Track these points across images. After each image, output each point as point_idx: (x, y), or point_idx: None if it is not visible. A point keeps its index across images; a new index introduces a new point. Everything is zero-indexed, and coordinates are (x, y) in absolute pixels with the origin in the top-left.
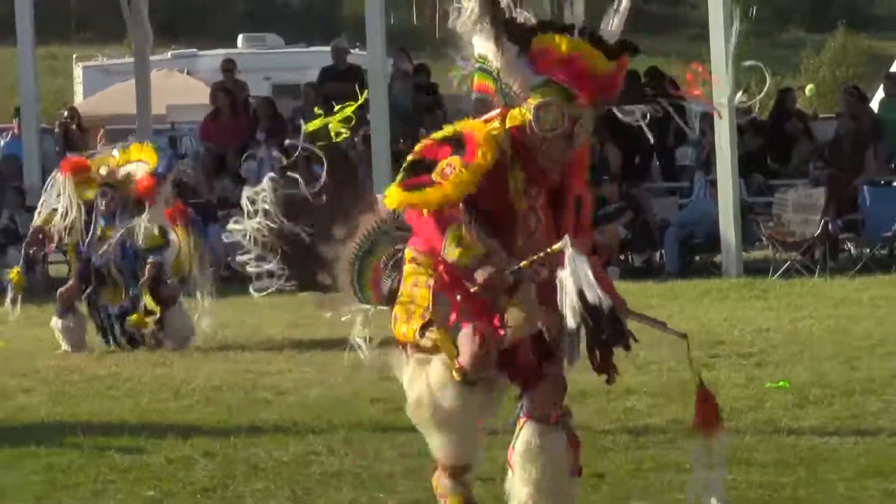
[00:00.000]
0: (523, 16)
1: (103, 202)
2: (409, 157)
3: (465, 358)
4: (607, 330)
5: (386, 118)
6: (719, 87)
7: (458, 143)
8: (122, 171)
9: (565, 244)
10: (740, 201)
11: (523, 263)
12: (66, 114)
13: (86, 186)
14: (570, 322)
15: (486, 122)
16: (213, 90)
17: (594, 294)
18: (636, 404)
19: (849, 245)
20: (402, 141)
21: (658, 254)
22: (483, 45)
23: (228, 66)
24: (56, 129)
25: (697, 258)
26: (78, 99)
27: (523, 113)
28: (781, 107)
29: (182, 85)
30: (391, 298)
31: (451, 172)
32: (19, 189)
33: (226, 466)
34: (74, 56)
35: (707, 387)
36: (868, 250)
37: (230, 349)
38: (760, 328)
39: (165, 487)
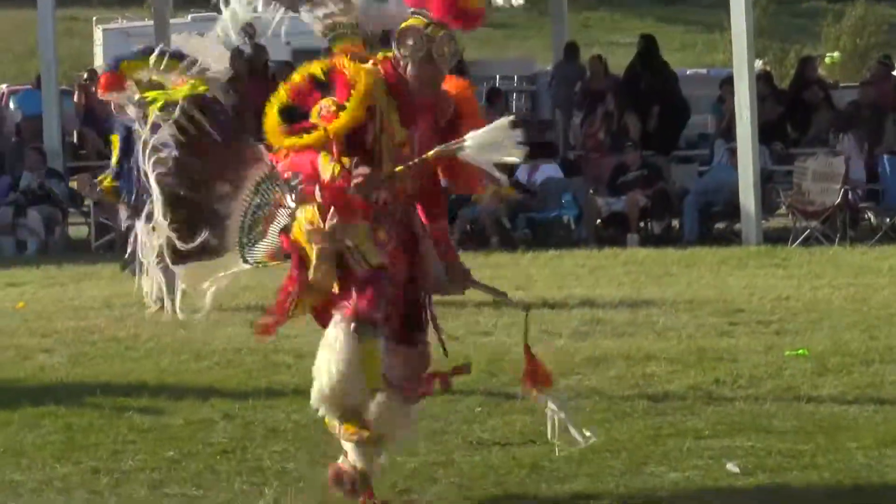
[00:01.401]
0: None
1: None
2: (278, 103)
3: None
4: None
5: None
6: (740, 55)
7: (326, 86)
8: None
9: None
10: (760, 169)
11: (398, 168)
12: (85, 76)
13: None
14: None
15: (355, 60)
16: (232, 54)
17: None
18: (655, 370)
19: (869, 214)
20: None
21: (677, 221)
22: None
23: (248, 29)
24: (75, 92)
25: (717, 226)
26: (98, 61)
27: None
28: (802, 75)
29: (201, 48)
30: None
31: (328, 114)
32: (40, 150)
33: (245, 428)
34: (94, 18)
35: (535, 354)
36: (888, 219)
37: (250, 311)
38: (780, 296)
39: (184, 449)
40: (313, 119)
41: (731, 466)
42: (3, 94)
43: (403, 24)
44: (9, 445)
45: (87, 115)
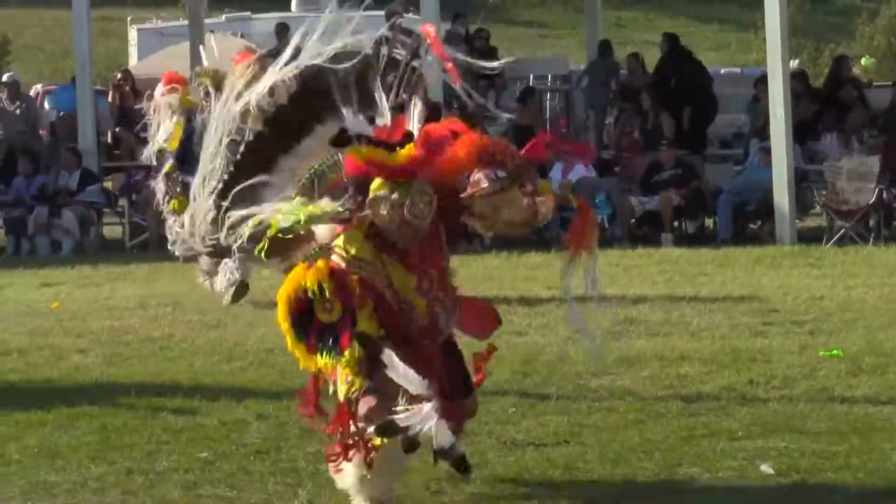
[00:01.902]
0: None
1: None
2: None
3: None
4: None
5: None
6: (774, 54)
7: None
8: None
9: None
10: (794, 169)
11: None
12: (119, 76)
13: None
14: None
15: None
16: (264, 56)
17: None
18: (689, 371)
19: None
20: (451, 109)
21: (711, 221)
22: None
23: (282, 29)
24: (110, 92)
25: (751, 225)
26: (132, 61)
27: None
28: (836, 74)
29: (235, 48)
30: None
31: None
32: (75, 150)
33: (279, 429)
34: (129, 18)
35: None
36: None
37: None
38: (814, 296)
39: (218, 449)
40: (319, 314)
41: (765, 467)
42: (38, 93)
43: (371, 195)
44: (43, 446)
45: (122, 116)
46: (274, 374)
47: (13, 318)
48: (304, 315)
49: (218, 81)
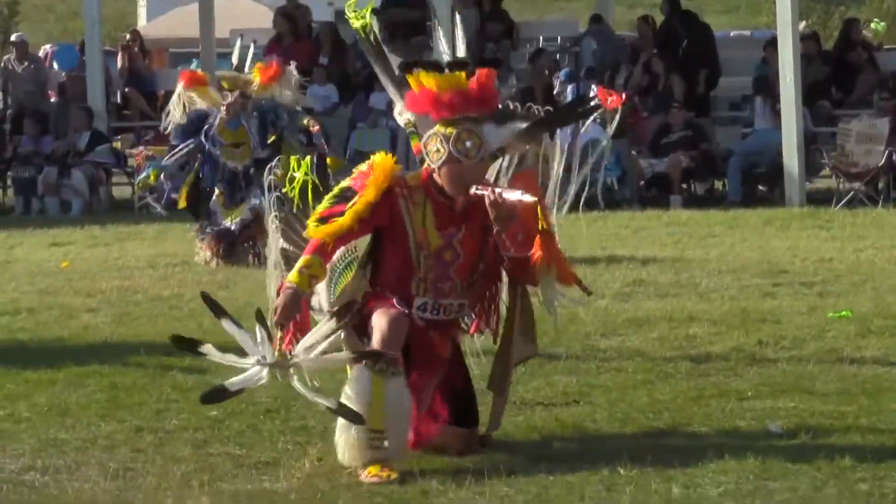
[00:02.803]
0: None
1: (225, 105)
2: (343, 184)
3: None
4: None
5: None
6: (784, 17)
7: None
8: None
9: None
10: (804, 131)
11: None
12: (128, 37)
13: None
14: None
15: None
16: (275, 15)
17: None
18: (698, 332)
19: None
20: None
21: (721, 183)
22: (396, 111)
23: None
24: (119, 52)
25: (760, 188)
26: (141, 22)
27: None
28: (846, 37)
29: (245, 9)
30: None
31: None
32: (87, 109)
33: (289, 388)
34: None
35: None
36: None
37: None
38: (823, 258)
39: (228, 408)
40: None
41: (774, 428)
42: (46, 54)
43: (426, 134)
44: (53, 404)
45: (131, 76)
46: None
47: (23, 278)
48: None
49: (237, 87)
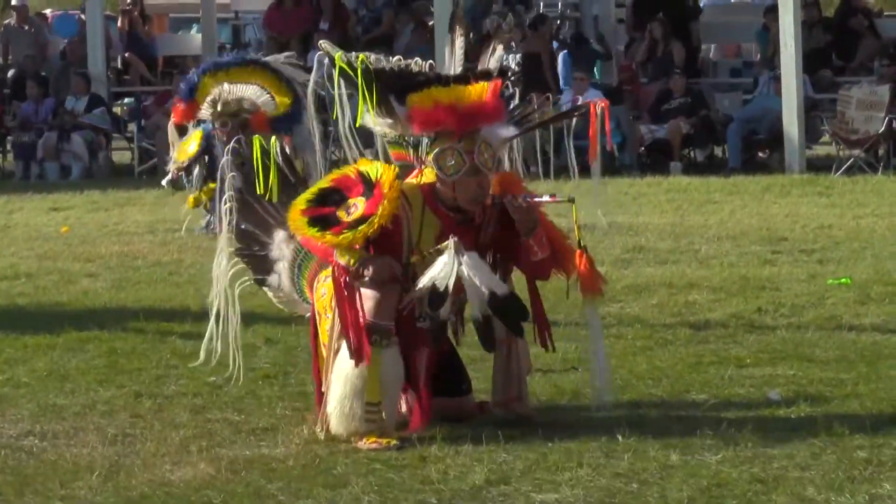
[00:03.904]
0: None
1: (224, 134)
2: (322, 185)
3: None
4: (511, 313)
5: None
6: None
7: (369, 186)
8: (233, 98)
9: (449, 245)
10: (804, 97)
11: (414, 258)
12: (129, 1)
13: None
14: (476, 313)
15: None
16: None
17: (479, 291)
18: (697, 298)
19: None
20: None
21: (721, 149)
22: (381, 123)
23: None
24: (119, 17)
25: (760, 154)
26: None
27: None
28: (846, 4)
29: None
30: None
31: (352, 214)
32: (85, 75)
33: (287, 354)
34: None
35: (588, 250)
36: None
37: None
38: (823, 225)
39: (227, 373)
40: (340, 212)
41: (773, 395)
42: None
43: (438, 148)
44: (53, 369)
45: (131, 41)
46: None
47: (22, 243)
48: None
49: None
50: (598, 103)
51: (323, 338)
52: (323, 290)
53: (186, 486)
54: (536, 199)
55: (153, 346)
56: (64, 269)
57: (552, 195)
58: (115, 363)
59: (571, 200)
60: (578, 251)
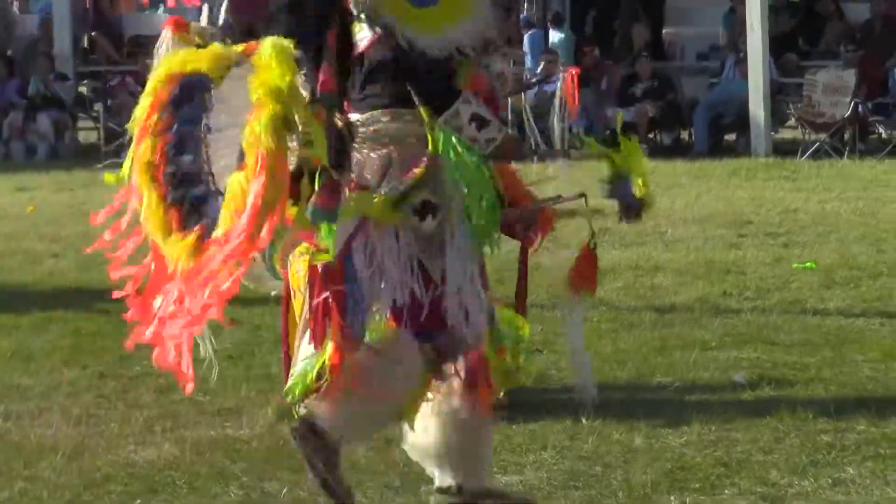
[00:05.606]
0: None
1: None
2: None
3: None
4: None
5: None
6: None
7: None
8: None
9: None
10: (770, 81)
11: None
12: None
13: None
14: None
15: None
16: None
17: None
18: (662, 282)
19: (878, 127)
20: None
21: (687, 133)
22: None
23: None
24: None
25: (727, 138)
26: None
27: None
28: None
29: None
30: None
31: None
32: (49, 55)
33: (252, 334)
34: None
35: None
36: None
37: None
38: (788, 209)
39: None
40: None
41: (738, 378)
42: None
43: None
44: (17, 349)
45: (98, 20)
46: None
47: None
48: None
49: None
50: (570, 70)
51: (296, 314)
52: (298, 266)
53: (150, 466)
54: (547, 205)
55: (118, 326)
56: (29, 249)
57: (560, 196)
58: (80, 344)
59: (582, 196)
60: (585, 251)
